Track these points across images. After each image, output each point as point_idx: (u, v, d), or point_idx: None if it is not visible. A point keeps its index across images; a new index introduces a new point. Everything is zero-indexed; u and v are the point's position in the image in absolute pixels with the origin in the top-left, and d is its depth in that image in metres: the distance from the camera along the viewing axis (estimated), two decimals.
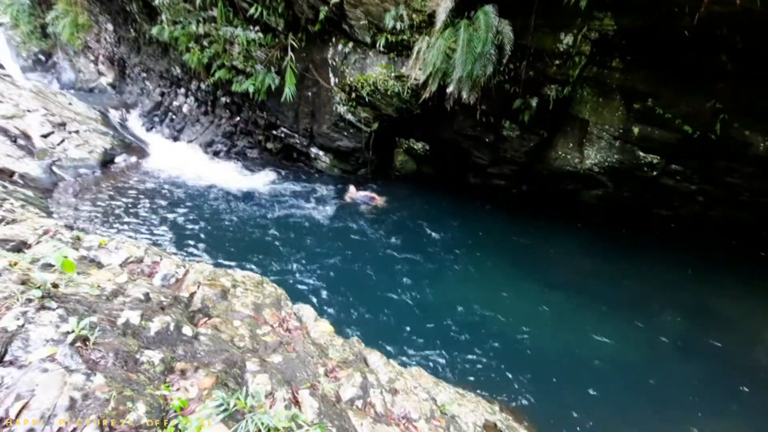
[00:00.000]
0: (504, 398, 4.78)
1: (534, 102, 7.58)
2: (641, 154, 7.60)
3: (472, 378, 5.02)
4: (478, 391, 4.69)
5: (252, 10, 8.29)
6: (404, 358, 5.12)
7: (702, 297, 7.02)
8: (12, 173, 7.60)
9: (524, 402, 4.77)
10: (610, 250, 8.24)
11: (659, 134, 7.19)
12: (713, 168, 7.42)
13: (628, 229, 8.69)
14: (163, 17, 9.34)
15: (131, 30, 12.76)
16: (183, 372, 2.26)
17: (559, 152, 8.38)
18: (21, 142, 8.62)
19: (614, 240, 8.48)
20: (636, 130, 7.34)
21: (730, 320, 6.53)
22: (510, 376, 5.12)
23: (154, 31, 9.82)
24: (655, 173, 7.77)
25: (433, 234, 8.37)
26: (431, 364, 5.09)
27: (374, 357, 3.75)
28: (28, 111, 9.54)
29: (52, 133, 9.33)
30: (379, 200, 9.46)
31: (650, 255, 8.10)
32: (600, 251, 8.24)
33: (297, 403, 2.54)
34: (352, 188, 9.71)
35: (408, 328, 5.72)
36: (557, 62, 7.15)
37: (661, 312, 6.66)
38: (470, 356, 5.36)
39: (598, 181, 8.48)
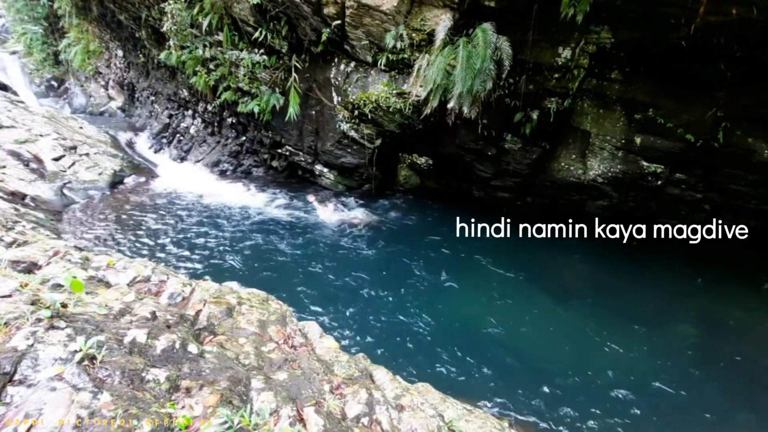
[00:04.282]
0: (513, 414, 4.69)
1: (535, 115, 7.65)
2: (645, 163, 7.60)
3: (480, 394, 4.94)
4: (487, 407, 4.62)
5: (257, 34, 8.54)
6: (411, 373, 5.07)
7: (713, 307, 6.89)
8: (24, 196, 7.78)
9: (534, 418, 4.68)
10: (617, 261, 8.16)
11: (662, 144, 7.20)
12: (718, 176, 7.39)
13: (635, 239, 8.61)
14: (171, 42, 9.65)
15: (140, 55, 13.18)
16: (188, 390, 2.27)
17: (562, 164, 8.41)
18: (33, 165, 8.84)
19: (621, 250, 8.40)
20: (638, 140, 7.36)
21: (743, 329, 6.39)
22: (519, 391, 5.04)
23: (162, 55, 10.14)
24: (659, 182, 7.75)
25: (438, 249, 8.37)
26: (438, 379, 5.03)
27: (380, 373, 3.72)
28: (41, 135, 9.82)
29: (64, 156, 9.56)
30: (360, 221, 9.36)
31: (658, 265, 8.00)
32: (607, 262, 8.16)
33: (302, 420, 2.53)
34: (322, 206, 9.51)
35: (414, 344, 5.68)
36: (556, 75, 7.25)
37: (673, 322, 6.55)
38: (477, 371, 5.29)
39: (602, 192, 8.47)
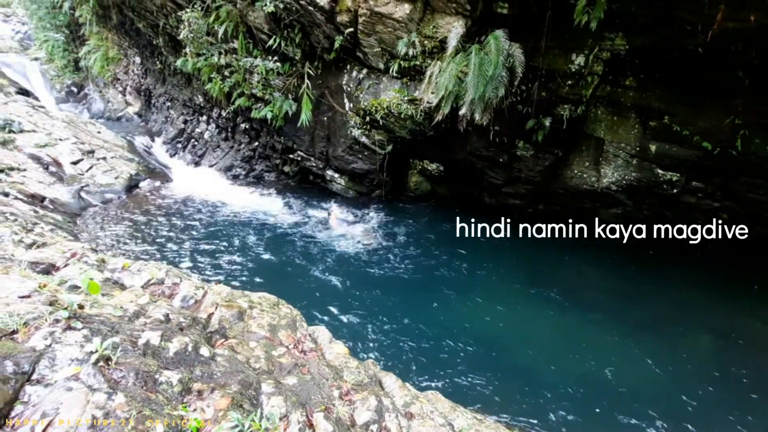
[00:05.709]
0: (524, 423, 4.62)
1: (547, 122, 7.60)
2: (660, 171, 7.48)
3: (490, 402, 4.88)
4: (497, 416, 4.56)
5: (271, 42, 8.68)
6: (420, 381, 5.03)
7: (731, 318, 6.71)
8: (43, 198, 7.98)
9: (545, 427, 4.60)
10: (632, 269, 8.02)
11: (677, 151, 7.09)
12: (736, 184, 7.23)
13: (651, 248, 8.45)
14: (187, 50, 9.85)
15: (157, 62, 13.48)
16: (200, 393, 2.29)
17: (575, 171, 8.32)
18: (52, 169, 9.07)
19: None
20: (653, 147, 7.25)
21: (762, 341, 6.21)
22: (530, 400, 4.96)
23: (179, 62, 10.35)
24: (675, 191, 7.61)
25: (448, 256, 8.32)
26: (448, 387, 4.98)
27: (389, 380, 3.71)
28: (60, 139, 10.07)
29: (82, 160, 9.79)
30: (368, 229, 9.38)
31: (675, 274, 7.84)
32: (622, 270, 8.02)
33: (311, 426, 2.53)
34: (334, 212, 9.69)
35: (424, 351, 5.64)
36: (569, 82, 7.20)
37: (689, 333, 6.40)
38: (488, 380, 5.23)
39: (616, 200, 8.35)
